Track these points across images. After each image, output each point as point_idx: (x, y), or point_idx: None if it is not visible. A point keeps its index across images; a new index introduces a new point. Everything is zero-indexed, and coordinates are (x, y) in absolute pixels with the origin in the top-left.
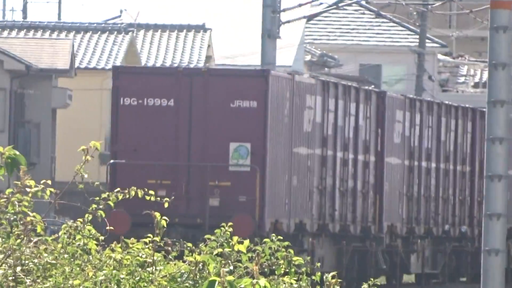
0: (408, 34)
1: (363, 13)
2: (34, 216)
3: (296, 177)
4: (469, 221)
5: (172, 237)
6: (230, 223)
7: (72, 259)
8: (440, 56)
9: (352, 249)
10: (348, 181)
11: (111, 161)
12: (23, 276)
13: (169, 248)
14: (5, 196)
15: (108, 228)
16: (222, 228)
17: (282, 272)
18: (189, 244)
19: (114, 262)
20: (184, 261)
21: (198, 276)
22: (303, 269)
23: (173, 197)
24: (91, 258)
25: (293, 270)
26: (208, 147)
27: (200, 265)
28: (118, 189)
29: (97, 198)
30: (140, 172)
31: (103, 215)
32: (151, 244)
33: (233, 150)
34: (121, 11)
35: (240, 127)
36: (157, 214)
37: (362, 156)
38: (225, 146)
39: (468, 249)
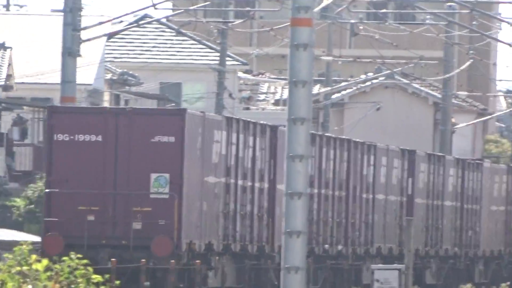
0: (209, 52)
1: (164, 31)
2: None
3: (206, 203)
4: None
5: (101, 257)
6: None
7: None
8: (240, 74)
9: (249, 267)
10: (247, 206)
11: (46, 190)
12: None
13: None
14: None
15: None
16: (20, 247)
17: None
18: None
19: None
20: None
21: None
22: None
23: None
24: None
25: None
26: (131, 177)
27: None
28: None
29: None
30: (71, 200)
31: None
32: None
33: (154, 179)
34: None
35: (160, 160)
36: None
37: (258, 183)
38: (147, 176)
39: (347, 267)
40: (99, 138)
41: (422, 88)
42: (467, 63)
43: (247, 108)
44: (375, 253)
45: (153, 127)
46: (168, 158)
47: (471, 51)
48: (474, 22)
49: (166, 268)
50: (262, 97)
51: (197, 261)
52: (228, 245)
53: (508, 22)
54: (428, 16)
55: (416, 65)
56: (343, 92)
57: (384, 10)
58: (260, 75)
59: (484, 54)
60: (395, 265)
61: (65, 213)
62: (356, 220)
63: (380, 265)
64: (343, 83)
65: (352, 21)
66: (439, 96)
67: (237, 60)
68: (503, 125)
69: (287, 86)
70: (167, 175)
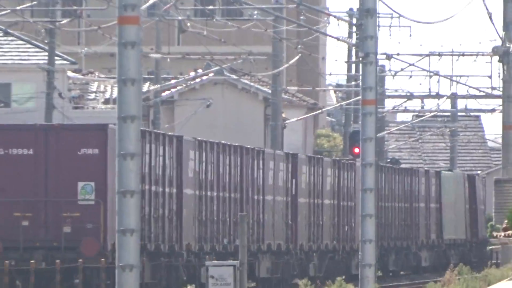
0: (37, 52)
1: None
2: None
3: None
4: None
5: (36, 258)
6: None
7: None
8: (70, 73)
9: (163, 264)
10: (159, 209)
11: None
12: None
13: None
14: None
15: None
16: None
17: None
18: None
19: None
20: None
21: None
22: None
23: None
24: None
25: None
26: (61, 186)
27: None
28: None
29: None
30: (8, 207)
31: None
32: None
33: (81, 187)
34: None
35: (86, 170)
36: None
37: (168, 188)
38: (74, 185)
39: None
40: (31, 152)
41: (251, 84)
42: (296, 58)
43: (77, 108)
44: (266, 249)
45: (79, 141)
46: (93, 168)
47: (300, 46)
48: (302, 17)
49: (95, 266)
50: (92, 96)
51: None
52: (144, 245)
53: (335, 16)
54: (255, 12)
55: (245, 61)
56: (173, 90)
57: (211, 7)
58: (90, 74)
59: (312, 49)
60: (229, 261)
61: (2, 219)
62: (249, 219)
63: (215, 262)
64: (173, 81)
65: (180, 18)
66: (269, 91)
67: (66, 59)
68: (333, 119)
69: (116, 85)
70: (92, 184)
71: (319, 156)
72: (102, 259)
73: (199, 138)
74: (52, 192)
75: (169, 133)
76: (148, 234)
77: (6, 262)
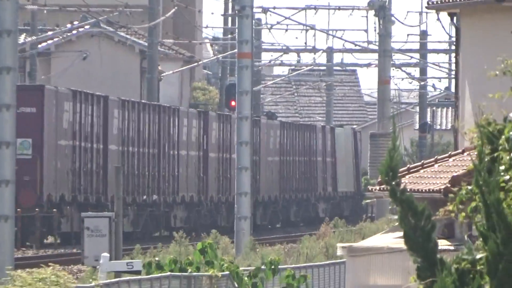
0: None
1: None
2: None
3: (59, 162)
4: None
5: None
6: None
7: None
8: None
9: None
10: (88, 164)
11: None
12: None
13: None
14: None
15: None
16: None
17: None
18: None
19: None
20: None
21: None
22: None
23: None
24: None
25: None
26: None
27: None
28: None
29: None
30: None
31: None
32: None
33: (19, 143)
34: None
35: (24, 127)
36: None
37: (95, 144)
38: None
39: (159, 212)
40: None
41: (128, 36)
42: (172, 11)
43: None
44: (180, 201)
45: (18, 100)
46: (30, 126)
47: None
48: None
49: (32, 215)
50: None
51: (54, 210)
52: (75, 196)
53: None
54: None
55: (121, 13)
56: (50, 42)
57: None
58: None
59: (189, 1)
60: (105, 213)
61: None
62: (165, 173)
63: (90, 213)
64: (49, 32)
65: None
66: (145, 44)
67: None
68: (210, 72)
69: None
70: (30, 140)
71: (227, 113)
72: (37, 209)
73: (123, 98)
74: None
75: (97, 93)
76: (78, 187)
77: None
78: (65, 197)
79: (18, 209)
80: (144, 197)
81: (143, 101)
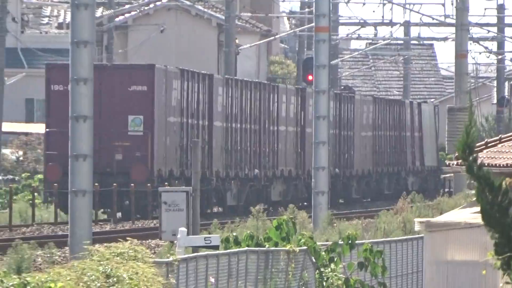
0: None
1: None
2: None
3: (169, 138)
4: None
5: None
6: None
7: None
8: None
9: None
10: (194, 139)
11: (47, 129)
12: None
13: None
14: None
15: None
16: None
17: None
18: None
19: None
20: None
21: None
22: None
23: None
24: None
25: None
26: (113, 119)
27: None
28: None
29: None
30: (66, 137)
31: None
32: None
33: (131, 120)
34: None
35: (135, 104)
36: None
37: (201, 121)
38: (125, 118)
39: (260, 186)
40: None
41: (205, 10)
42: None
43: (22, 32)
44: (279, 175)
45: (129, 79)
46: (142, 103)
47: None
48: None
49: (143, 191)
50: (45, 20)
51: (166, 183)
52: (183, 171)
53: None
54: None
55: None
56: (127, 15)
57: None
58: None
59: None
60: (182, 187)
61: (62, 147)
62: (266, 148)
63: (168, 188)
64: (127, 6)
65: None
66: (223, 17)
67: None
68: (287, 46)
69: (70, 9)
70: (141, 117)
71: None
72: (149, 184)
73: (226, 76)
74: (106, 124)
75: (202, 72)
76: (185, 162)
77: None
78: (173, 172)
79: (132, 184)
80: (246, 171)
81: (245, 79)
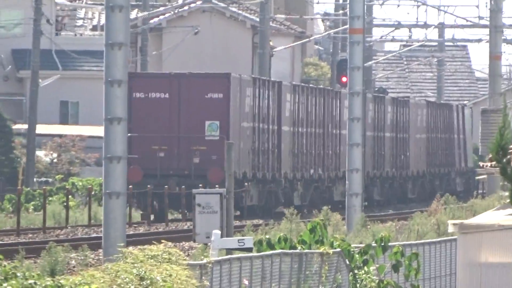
0: None
1: None
2: None
3: (242, 142)
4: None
5: (170, 184)
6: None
7: None
8: (57, 0)
9: (267, 189)
10: (265, 144)
11: (128, 134)
12: None
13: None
14: None
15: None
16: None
17: None
18: None
19: None
20: None
21: None
22: None
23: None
24: None
25: None
26: (191, 124)
27: None
28: None
29: None
30: (147, 141)
31: None
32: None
33: (208, 126)
34: None
35: (212, 111)
36: None
37: (271, 126)
38: (202, 123)
39: (323, 187)
40: (166, 95)
41: (239, 12)
42: None
43: (58, 34)
44: (342, 175)
45: (206, 87)
46: (218, 110)
47: None
48: None
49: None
50: (79, 22)
51: (246, 184)
52: (255, 173)
53: None
54: None
55: None
56: (161, 17)
57: None
58: (77, 1)
59: None
60: (216, 189)
61: (143, 151)
62: (329, 151)
63: (201, 190)
64: (161, 8)
65: None
66: (257, 19)
67: None
68: (321, 48)
69: (104, 11)
70: (217, 122)
71: (381, 94)
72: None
73: (294, 83)
74: (184, 129)
75: (272, 79)
76: (257, 164)
77: (149, 186)
78: (246, 174)
79: (207, 186)
80: (312, 172)
81: (310, 85)
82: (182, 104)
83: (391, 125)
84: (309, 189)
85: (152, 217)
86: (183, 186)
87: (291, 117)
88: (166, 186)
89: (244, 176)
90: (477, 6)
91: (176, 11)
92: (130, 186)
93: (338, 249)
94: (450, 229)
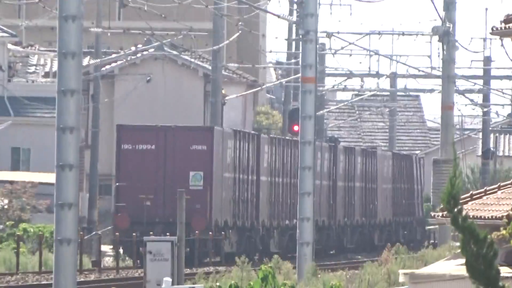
0: None
1: None
2: None
3: (224, 192)
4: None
5: (155, 231)
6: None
7: None
8: (10, 46)
9: (246, 237)
10: (244, 193)
11: (117, 183)
12: None
13: None
14: None
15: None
16: None
17: None
18: None
19: None
20: None
21: None
22: None
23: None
24: None
25: None
26: (176, 174)
27: None
28: None
29: None
30: (134, 190)
31: None
32: None
33: (192, 176)
34: None
35: (196, 162)
36: None
37: (250, 176)
38: (187, 174)
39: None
40: (153, 147)
41: (192, 60)
42: (236, 35)
43: (10, 80)
44: (315, 224)
45: (191, 139)
46: (202, 161)
47: (240, 23)
48: None
49: (203, 238)
50: (32, 69)
51: (223, 233)
52: (235, 221)
53: None
54: None
55: (185, 37)
56: (113, 64)
57: None
58: (30, 47)
59: (253, 26)
60: (167, 237)
61: (130, 200)
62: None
63: (153, 237)
64: (113, 55)
65: None
66: (209, 67)
67: (6, 32)
68: (273, 96)
69: (56, 58)
70: (201, 173)
71: (352, 146)
72: (210, 232)
73: (271, 135)
74: (169, 179)
75: (252, 132)
76: (237, 213)
77: (134, 234)
78: (228, 222)
79: (196, 232)
80: (287, 221)
81: (287, 137)
82: (168, 155)
83: (361, 175)
84: (285, 237)
85: (138, 262)
86: (167, 233)
87: (269, 168)
88: (151, 233)
89: (225, 224)
90: (429, 56)
91: (128, 59)
92: (117, 233)
93: None
94: (401, 278)
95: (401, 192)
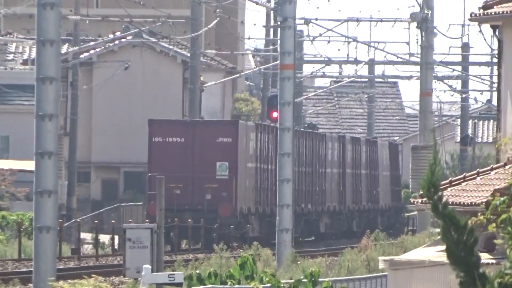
0: None
1: None
2: None
3: (248, 181)
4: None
5: (185, 218)
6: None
7: None
8: None
9: (266, 222)
10: (265, 182)
11: (149, 174)
12: None
13: None
14: None
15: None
16: None
17: None
18: None
19: None
20: None
21: None
22: None
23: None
24: None
25: None
26: (203, 165)
27: None
28: None
29: None
30: (165, 180)
31: None
32: None
33: (218, 166)
34: None
35: (222, 153)
36: None
37: (270, 166)
38: (214, 164)
39: (312, 220)
40: (182, 140)
41: (170, 47)
42: (215, 22)
43: None
44: (326, 209)
45: (217, 132)
46: (227, 152)
47: (218, 10)
48: None
49: (228, 224)
50: (10, 56)
51: (248, 226)
52: (257, 208)
53: None
54: None
55: (164, 24)
56: (92, 51)
57: None
58: (8, 35)
59: (231, 13)
60: (146, 224)
61: None
62: (316, 188)
63: (132, 224)
64: (92, 43)
65: None
66: (188, 54)
67: None
68: (252, 83)
69: (35, 46)
70: (227, 163)
71: (357, 136)
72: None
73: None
74: (197, 169)
75: (271, 124)
76: (259, 200)
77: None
78: (251, 208)
79: (218, 220)
80: (303, 205)
81: (301, 129)
82: (195, 147)
83: (366, 164)
84: (300, 221)
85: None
86: (202, 219)
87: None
88: (176, 219)
89: (249, 210)
90: (408, 43)
91: (106, 46)
92: (147, 221)
93: (268, 285)
94: (381, 265)
95: (396, 179)
